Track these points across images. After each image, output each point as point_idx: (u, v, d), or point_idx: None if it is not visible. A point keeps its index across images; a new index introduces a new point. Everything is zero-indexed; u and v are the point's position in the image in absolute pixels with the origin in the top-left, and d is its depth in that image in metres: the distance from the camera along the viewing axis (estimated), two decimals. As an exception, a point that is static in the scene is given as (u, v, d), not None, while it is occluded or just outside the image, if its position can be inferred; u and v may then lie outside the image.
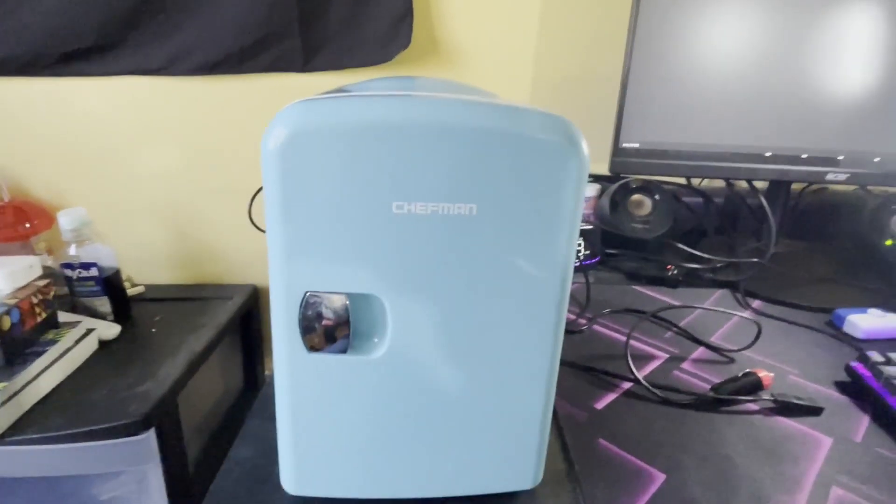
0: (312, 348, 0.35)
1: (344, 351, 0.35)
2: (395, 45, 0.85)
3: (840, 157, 0.73)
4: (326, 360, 0.35)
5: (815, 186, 0.94)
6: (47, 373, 0.72)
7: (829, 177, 0.74)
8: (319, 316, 0.34)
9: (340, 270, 0.33)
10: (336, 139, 0.31)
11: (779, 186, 0.84)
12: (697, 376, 0.59)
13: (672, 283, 0.80)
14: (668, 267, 0.81)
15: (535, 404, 0.38)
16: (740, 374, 0.56)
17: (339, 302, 0.34)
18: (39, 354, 0.73)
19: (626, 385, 0.57)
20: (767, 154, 0.74)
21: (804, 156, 0.74)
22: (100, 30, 0.84)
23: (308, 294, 0.34)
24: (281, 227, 0.32)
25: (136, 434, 0.67)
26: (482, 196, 0.32)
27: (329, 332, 0.35)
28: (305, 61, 0.87)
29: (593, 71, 0.91)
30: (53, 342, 0.76)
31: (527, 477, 0.41)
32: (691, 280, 0.82)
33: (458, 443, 0.38)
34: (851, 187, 0.97)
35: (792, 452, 0.48)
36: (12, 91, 0.91)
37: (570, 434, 0.49)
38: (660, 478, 0.45)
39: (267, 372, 1.14)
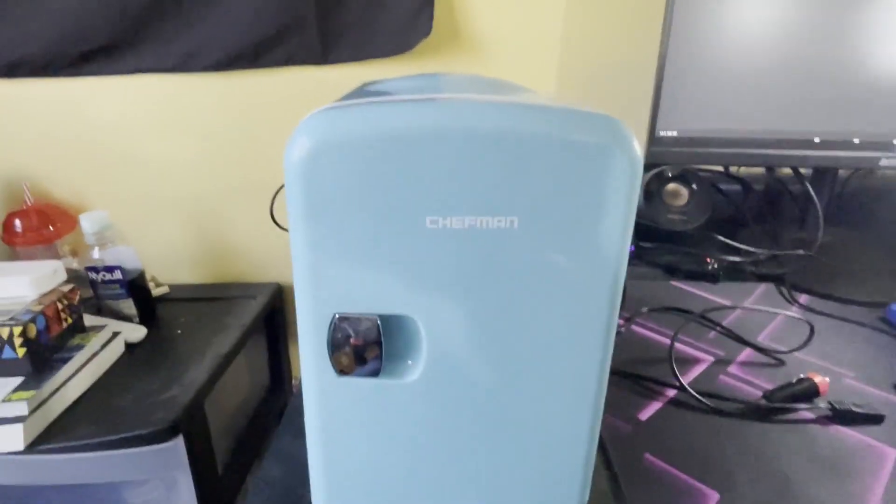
0: (342, 371, 0.33)
1: (376, 374, 0.33)
2: (416, 33, 0.82)
3: (895, 142, 0.68)
4: (357, 384, 0.33)
5: (860, 171, 0.89)
6: (75, 379, 0.71)
7: (883, 162, 0.69)
8: (349, 338, 0.32)
9: (371, 291, 0.31)
10: (364, 150, 0.28)
11: (824, 173, 0.79)
12: (746, 381, 0.56)
13: (712, 278, 0.76)
14: (707, 260, 0.77)
15: (582, 423, 0.36)
16: (794, 380, 0.52)
17: (369, 323, 0.32)
18: (66, 361, 0.72)
19: (671, 392, 0.54)
20: (816, 140, 0.69)
21: (856, 140, 0.69)
22: (113, 29, 0.82)
23: (337, 316, 0.31)
24: (306, 245, 0.30)
25: (164, 441, 0.67)
26: (524, 208, 0.29)
27: (359, 354, 0.33)
28: (324, 53, 0.84)
29: (624, 57, 0.86)
30: (80, 347, 0.75)
31: (573, 499, 0.38)
32: (732, 274, 0.78)
33: (498, 466, 0.36)
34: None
35: (853, 467, 0.45)
36: (30, 93, 0.90)
37: (613, 448, 0.47)
38: (712, 497, 0.42)
39: (294, 380, 1.13)
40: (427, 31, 0.82)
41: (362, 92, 0.38)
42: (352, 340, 0.32)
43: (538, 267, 0.31)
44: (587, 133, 0.29)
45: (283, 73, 0.87)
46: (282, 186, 0.90)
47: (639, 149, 0.29)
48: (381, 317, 0.32)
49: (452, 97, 0.30)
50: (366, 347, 0.32)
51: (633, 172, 0.29)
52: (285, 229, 0.91)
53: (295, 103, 0.89)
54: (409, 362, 0.34)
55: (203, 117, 0.92)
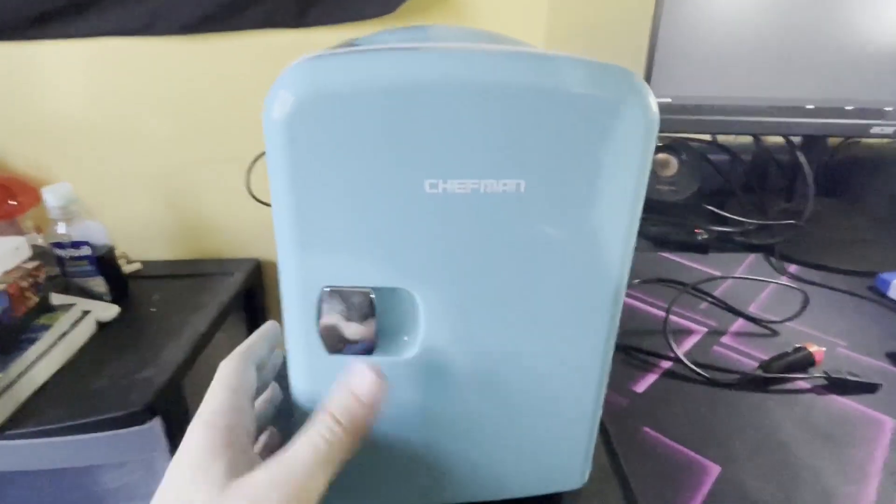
0: (333, 350, 0.30)
1: (370, 352, 0.31)
2: (399, -6, 0.78)
3: (888, 109, 0.67)
4: (350, 363, 0.31)
5: (849, 141, 0.88)
6: (43, 360, 0.68)
7: (875, 130, 0.68)
8: (340, 313, 0.30)
9: (363, 262, 0.28)
10: (355, 104, 0.25)
11: (814, 142, 0.78)
12: (740, 352, 0.55)
13: (702, 249, 0.75)
14: (697, 231, 0.76)
15: (586, 398, 0.34)
16: (790, 350, 0.52)
17: (362, 297, 0.29)
18: (33, 341, 0.68)
19: (666, 364, 0.53)
20: (809, 107, 0.68)
21: (848, 108, 0.68)
22: (73, -14, 0.77)
23: (326, 289, 0.29)
24: (291, 211, 0.27)
25: (141, 423, 0.64)
26: (531, 169, 0.27)
27: (351, 330, 0.30)
28: (300, 15, 0.80)
29: (614, 17, 0.83)
30: (47, 327, 0.72)
31: (574, 476, 0.37)
32: (721, 244, 0.77)
33: (499, 444, 0.34)
34: (885, 141, 0.92)
35: (852, 435, 0.45)
36: (-17, 57, 0.84)
37: (611, 423, 0.46)
38: (714, 470, 0.41)
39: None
40: (410, -9, 0.78)
41: (348, 44, 0.35)
42: (343, 315, 0.30)
43: (545, 234, 0.28)
44: (601, 86, 0.26)
45: (257, 36, 0.83)
46: (258, 157, 0.86)
47: (655, 104, 0.27)
48: (375, 290, 0.29)
49: (453, 46, 0.27)
50: (359, 323, 0.30)
51: (649, 129, 0.27)
52: (262, 202, 0.87)
53: (271, 68, 0.84)
54: (406, 338, 0.31)
55: (172, 83, 0.87)
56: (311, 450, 0.26)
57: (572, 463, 0.36)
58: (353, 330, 0.30)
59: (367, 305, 0.30)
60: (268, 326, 0.35)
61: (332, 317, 0.29)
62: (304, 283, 0.29)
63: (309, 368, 0.31)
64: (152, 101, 0.88)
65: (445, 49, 0.26)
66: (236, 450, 0.26)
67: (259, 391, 0.33)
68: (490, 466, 0.35)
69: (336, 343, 0.30)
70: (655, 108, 0.27)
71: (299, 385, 0.32)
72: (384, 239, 0.28)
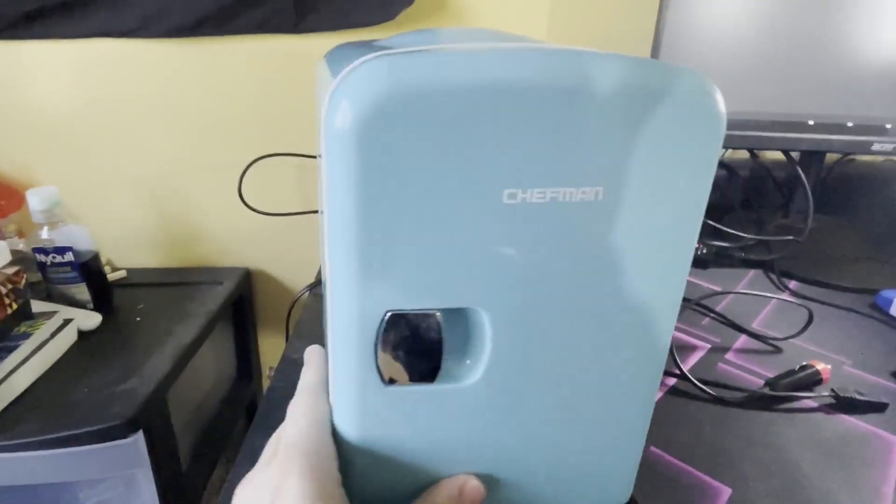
0: (392, 380, 0.27)
1: (431, 380, 0.28)
2: (399, 1, 0.77)
3: (888, 126, 0.67)
4: (406, 393, 0.28)
5: (846, 157, 0.88)
6: (21, 370, 0.65)
7: (875, 147, 0.68)
8: (403, 339, 0.27)
9: (435, 281, 0.26)
10: (434, 108, 0.22)
11: (812, 157, 0.78)
12: (746, 369, 0.54)
13: (702, 264, 0.75)
14: (697, 246, 0.75)
15: (642, 413, 0.32)
16: (797, 368, 0.51)
17: (429, 320, 0.27)
18: (12, 350, 0.66)
19: (671, 381, 0.51)
20: (810, 122, 0.68)
21: (849, 124, 0.68)
22: (64, -15, 0.75)
23: (389, 314, 0.26)
24: (356, 230, 0.24)
25: (122, 437, 0.61)
26: (611, 176, 0.25)
27: (415, 358, 0.27)
28: (297, 21, 0.79)
29: (614, 32, 0.83)
30: (27, 335, 0.69)
31: (623, 491, 0.35)
32: (720, 260, 0.76)
33: (554, 465, 0.32)
34: (881, 158, 0.92)
35: (863, 456, 0.43)
36: (-32, 56, 0.82)
37: (617, 441, 0.44)
38: (724, 492, 0.40)
39: (269, 370, 1.08)
40: (410, -1, 0.77)
41: (370, 45, 0.32)
42: (406, 343, 0.27)
43: (623, 244, 0.27)
44: (678, 88, 0.25)
45: (252, 41, 0.81)
46: (251, 164, 0.84)
47: (724, 108, 0.26)
48: (441, 312, 0.27)
49: (529, 45, 0.25)
50: (423, 349, 0.27)
51: (720, 133, 0.26)
52: (254, 210, 0.85)
53: (266, 74, 0.84)
54: (468, 361, 0.29)
55: (163, 87, 0.85)
56: None
57: (623, 479, 0.35)
58: (416, 358, 0.27)
59: (433, 330, 0.27)
60: (319, 352, 0.34)
61: (394, 344, 0.27)
62: (364, 308, 0.26)
63: (361, 402, 0.28)
64: (142, 105, 0.86)
65: (525, 48, 0.24)
66: None
67: None
68: (542, 487, 0.33)
69: (395, 373, 0.27)
70: (725, 112, 0.26)
71: (346, 418, 0.29)
72: (456, 255, 0.25)
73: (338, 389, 0.28)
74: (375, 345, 0.26)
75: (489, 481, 0.31)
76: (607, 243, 0.26)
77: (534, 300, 0.27)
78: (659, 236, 0.27)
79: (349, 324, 0.26)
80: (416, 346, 0.27)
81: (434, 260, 0.25)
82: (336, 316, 0.26)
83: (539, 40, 0.33)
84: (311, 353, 0.34)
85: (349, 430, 0.29)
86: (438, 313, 0.27)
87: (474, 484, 0.29)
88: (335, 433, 0.29)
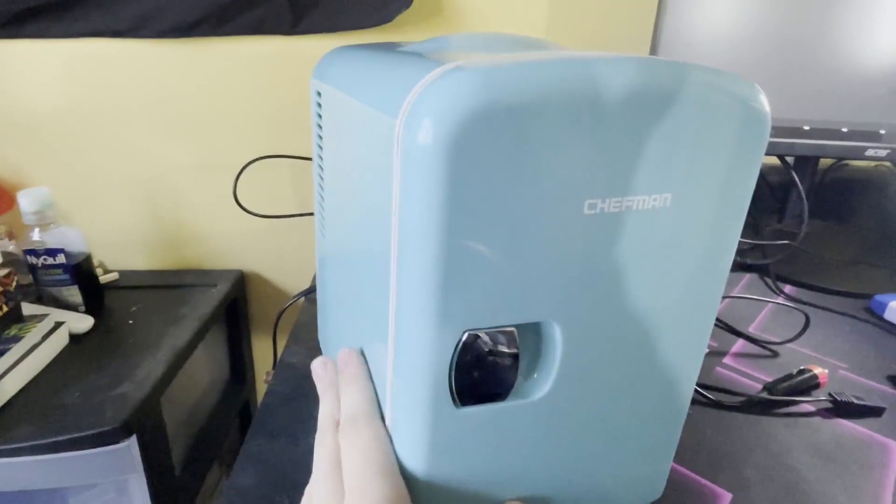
0: (466, 402, 0.27)
1: (503, 398, 0.27)
2: (396, 4, 0.77)
3: (882, 132, 0.68)
4: (477, 412, 0.27)
5: (840, 163, 0.89)
6: (12, 373, 0.64)
7: (870, 152, 0.68)
8: (480, 360, 0.26)
9: (513, 297, 0.25)
10: (519, 122, 0.22)
11: (806, 163, 0.79)
12: (743, 373, 0.54)
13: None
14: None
15: (680, 412, 0.33)
16: (795, 372, 0.51)
17: (506, 337, 0.26)
18: (2, 353, 0.65)
19: (670, 385, 0.51)
20: (805, 128, 0.68)
21: (844, 129, 0.68)
22: (58, -17, 0.74)
23: (467, 335, 0.25)
24: (438, 248, 0.23)
25: (115, 443, 0.60)
26: (677, 182, 0.25)
27: (489, 378, 0.27)
28: (294, 22, 0.78)
29: (612, 36, 0.83)
30: (17, 339, 0.68)
31: (657, 489, 0.36)
32: (716, 263, 0.76)
33: (598, 472, 0.33)
34: (873, 164, 0.93)
35: (861, 460, 0.44)
36: (-41, 55, 0.80)
37: (617, 446, 0.44)
38: (725, 497, 0.40)
39: (266, 375, 1.07)
40: (408, 1, 0.77)
41: (419, 50, 0.32)
42: (482, 362, 0.26)
43: (685, 249, 0.27)
44: (738, 94, 0.26)
45: (248, 42, 0.81)
46: (246, 165, 0.83)
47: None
48: (517, 327, 0.26)
49: (598, 54, 0.25)
50: (498, 368, 0.27)
51: (766, 137, 0.27)
52: (250, 212, 0.84)
53: (261, 76, 0.83)
54: (535, 376, 0.28)
55: (157, 88, 0.84)
56: None
57: (657, 478, 0.36)
58: (491, 376, 0.27)
59: (511, 346, 0.26)
60: (355, 359, 0.32)
61: (470, 365, 0.26)
62: (441, 329, 0.25)
63: (432, 430, 0.27)
64: (136, 105, 0.86)
65: (597, 57, 0.24)
66: None
67: None
68: (586, 490, 0.33)
69: (469, 394, 0.26)
70: (770, 115, 0.27)
71: (415, 451, 0.27)
72: (536, 269, 0.25)
73: (401, 418, 0.27)
74: (451, 366, 0.25)
75: (540, 494, 0.31)
76: (673, 250, 0.27)
77: (603, 311, 0.27)
78: (711, 242, 0.28)
79: (422, 346, 0.25)
80: (491, 366, 0.26)
81: (514, 275, 0.25)
82: (404, 339, 0.25)
83: (568, 48, 0.33)
84: (348, 363, 0.31)
85: (417, 462, 0.28)
86: (514, 329, 0.26)
87: None
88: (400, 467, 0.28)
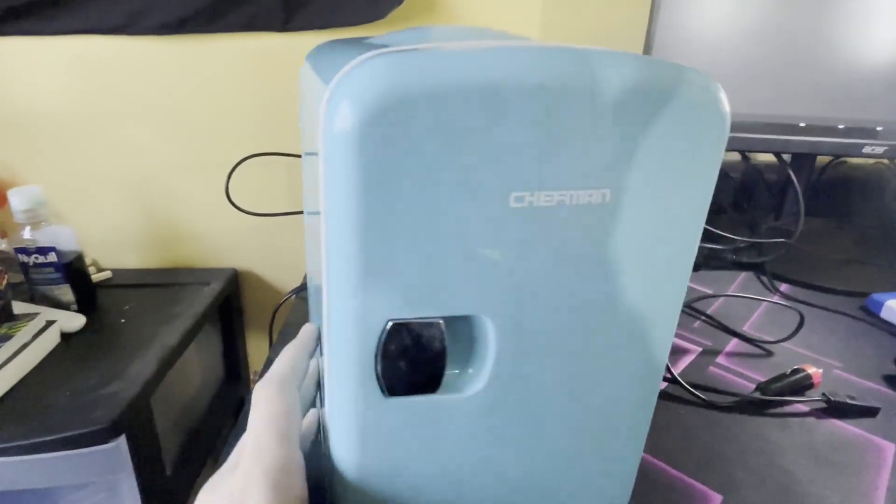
0: (394, 391, 0.26)
1: (434, 390, 0.27)
2: (389, 0, 0.76)
3: (879, 129, 0.67)
4: (408, 403, 0.27)
5: (837, 160, 0.88)
6: (1, 372, 0.63)
7: (866, 150, 0.68)
8: (405, 350, 0.26)
9: (439, 288, 0.25)
10: (439, 109, 0.21)
11: (803, 160, 0.78)
12: (736, 373, 0.53)
13: (693, 266, 0.74)
14: (688, 248, 0.75)
15: (643, 418, 0.32)
16: (788, 372, 0.50)
17: (433, 329, 0.26)
18: (-9, 352, 0.64)
19: (661, 385, 0.51)
20: (802, 125, 0.68)
21: (840, 126, 0.68)
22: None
23: (391, 324, 0.25)
24: (357, 235, 0.23)
25: (104, 442, 0.60)
26: (617, 177, 0.24)
27: (416, 368, 0.26)
28: (286, 19, 0.78)
29: (606, 34, 0.83)
30: (7, 337, 0.67)
31: (621, 497, 0.35)
32: (712, 262, 0.76)
33: (552, 474, 0.32)
34: (872, 161, 0.92)
35: (854, 462, 0.43)
36: (-51, 52, 0.80)
37: (607, 447, 0.43)
38: (715, 499, 0.39)
39: (254, 375, 1.07)
40: (400, -2, 0.76)
41: (368, 45, 0.31)
42: (408, 352, 0.26)
43: (625, 246, 0.26)
44: (688, 87, 0.24)
45: (240, 39, 0.80)
46: (238, 163, 0.83)
47: (729, 110, 0.26)
48: (445, 320, 0.26)
49: (534, 43, 0.24)
50: (425, 359, 0.26)
51: (724, 135, 0.25)
52: (242, 210, 0.84)
53: (253, 73, 0.82)
54: (471, 371, 0.28)
55: (150, 85, 0.84)
56: None
57: (621, 485, 0.34)
58: (417, 368, 0.26)
59: (437, 339, 0.26)
60: (307, 333, 0.32)
61: (396, 354, 0.26)
62: (365, 317, 0.25)
63: (361, 413, 0.27)
64: (128, 103, 0.85)
65: (530, 46, 0.23)
66: None
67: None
68: (543, 495, 0.32)
69: (396, 384, 0.26)
70: (729, 113, 0.25)
71: (345, 431, 0.27)
72: (461, 261, 0.24)
73: (335, 405, 0.27)
74: (376, 355, 0.25)
75: (486, 492, 0.31)
76: (613, 246, 0.26)
77: (538, 306, 0.26)
78: (663, 239, 0.27)
79: (348, 333, 0.25)
80: (417, 357, 0.26)
81: (438, 266, 0.24)
82: (333, 326, 0.25)
83: (539, 41, 0.33)
84: (300, 334, 0.32)
85: (348, 451, 0.28)
86: (442, 321, 0.26)
87: None
88: (334, 454, 0.28)
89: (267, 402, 0.27)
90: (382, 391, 0.26)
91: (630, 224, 0.25)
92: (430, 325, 0.25)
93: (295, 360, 0.30)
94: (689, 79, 0.24)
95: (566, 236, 0.25)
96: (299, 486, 0.25)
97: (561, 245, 0.25)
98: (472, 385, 0.27)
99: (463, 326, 0.26)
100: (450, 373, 0.27)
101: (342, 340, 0.25)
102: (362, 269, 0.23)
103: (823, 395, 0.49)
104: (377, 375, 0.26)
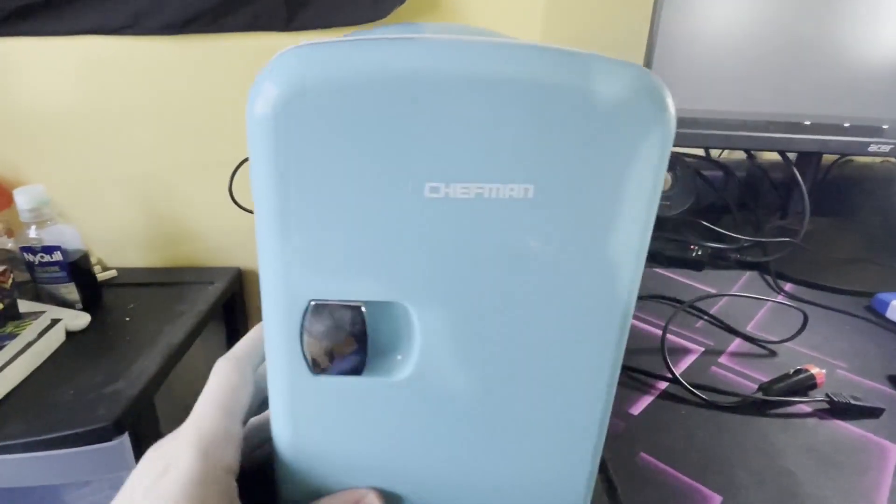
0: (318, 370, 0.27)
1: (358, 372, 0.28)
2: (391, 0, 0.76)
3: (885, 127, 0.67)
4: (335, 383, 0.28)
5: (843, 159, 0.88)
6: (7, 370, 0.64)
7: (872, 148, 0.67)
8: (327, 330, 0.27)
9: (355, 273, 0.26)
10: (351, 97, 0.22)
11: (808, 159, 0.77)
12: (739, 373, 0.53)
13: (696, 265, 0.74)
14: (692, 247, 0.75)
15: (591, 422, 0.30)
16: (791, 372, 0.50)
17: (352, 312, 0.27)
18: (-4, 351, 0.65)
19: (663, 385, 0.51)
20: (807, 123, 0.67)
21: (846, 125, 0.67)
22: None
23: (312, 303, 0.26)
24: (275, 217, 0.24)
25: (108, 440, 0.60)
26: (542, 174, 0.24)
27: (339, 349, 0.27)
28: (289, 19, 0.78)
29: (609, 29, 0.82)
30: (13, 336, 0.68)
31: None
32: (716, 261, 0.75)
33: (492, 472, 0.31)
34: (878, 160, 0.91)
35: (857, 463, 0.43)
36: (-44, 53, 0.81)
37: (606, 447, 0.43)
38: (715, 500, 0.39)
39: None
40: (402, -3, 0.76)
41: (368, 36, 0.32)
42: (331, 332, 0.27)
43: (555, 245, 0.26)
44: (620, 84, 0.23)
45: (243, 39, 0.80)
46: (242, 162, 0.83)
47: (673, 107, 0.25)
48: (367, 304, 0.27)
49: (459, 36, 0.24)
50: (347, 341, 0.27)
51: (667, 135, 0.24)
52: (245, 209, 0.84)
53: (256, 72, 0.82)
54: (399, 357, 0.29)
55: (154, 85, 0.84)
56: None
57: (574, 495, 0.33)
58: (341, 348, 0.27)
59: (357, 322, 0.27)
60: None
61: (319, 333, 0.27)
62: (287, 296, 0.26)
63: (290, 389, 0.28)
64: (133, 102, 0.85)
65: (451, 39, 0.24)
66: (232, 499, 0.24)
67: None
68: (480, 495, 0.32)
69: (321, 362, 0.27)
70: (674, 112, 0.25)
71: (278, 407, 0.29)
72: (378, 248, 0.25)
73: (271, 378, 0.28)
74: (301, 333, 0.26)
75: (426, 491, 0.31)
76: (539, 243, 0.25)
77: (463, 298, 0.26)
78: (600, 240, 0.26)
79: (276, 310, 0.26)
80: (339, 338, 0.27)
81: (356, 251, 0.25)
82: (265, 303, 0.26)
83: (513, 38, 0.32)
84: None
85: (283, 429, 0.28)
86: (362, 305, 0.26)
87: (372, 500, 0.27)
88: (273, 432, 0.29)
89: (217, 376, 0.28)
90: (309, 369, 0.27)
91: (558, 222, 0.25)
92: (351, 307, 0.26)
93: (255, 339, 0.31)
94: (625, 76, 0.24)
95: (487, 229, 0.25)
96: (231, 458, 0.26)
97: (482, 238, 0.25)
98: (399, 371, 0.28)
99: (392, 312, 0.27)
100: (380, 358, 0.28)
101: (273, 318, 0.26)
102: (282, 250, 0.25)
103: (827, 395, 0.48)
104: (303, 353, 0.26)
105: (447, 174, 0.24)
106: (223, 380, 0.28)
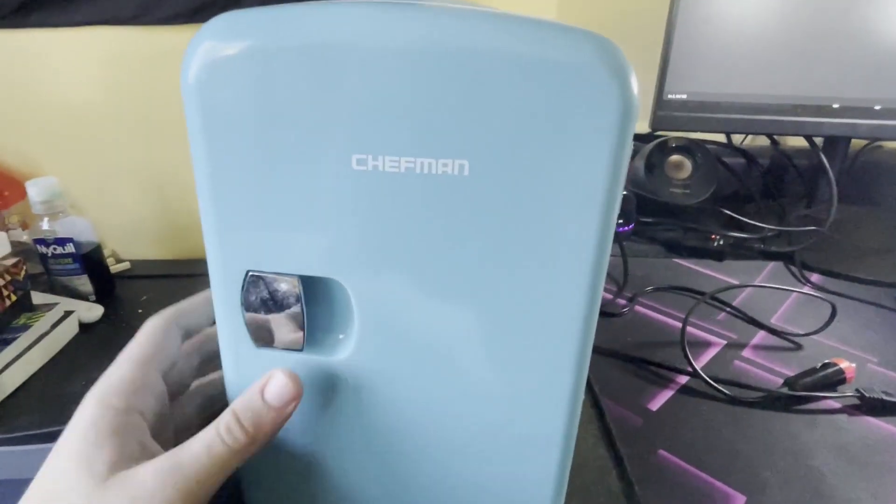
0: (260, 342, 0.27)
1: (299, 348, 0.27)
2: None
3: (918, 109, 0.63)
4: (281, 359, 0.28)
5: (873, 144, 0.84)
6: (19, 362, 0.64)
7: (905, 132, 0.64)
8: (268, 302, 0.26)
9: (285, 245, 0.25)
10: (275, 64, 0.22)
11: (836, 144, 0.74)
12: (763, 367, 0.51)
13: (717, 255, 0.71)
14: (713, 237, 0.72)
15: (553, 422, 0.28)
16: (819, 366, 0.48)
17: (288, 285, 0.26)
18: (10, 342, 0.65)
19: (682, 379, 0.49)
20: (835, 106, 0.64)
21: (877, 107, 0.64)
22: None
23: (250, 274, 0.26)
24: (208, 185, 0.24)
25: (118, 432, 0.60)
26: (477, 149, 0.22)
27: (279, 321, 0.27)
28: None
29: (628, 9, 0.80)
30: (26, 327, 0.68)
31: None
32: (738, 251, 0.73)
33: (448, 476, 0.30)
34: (910, 145, 0.88)
35: (889, 462, 0.41)
36: (-32, 45, 0.81)
37: (624, 444, 0.41)
38: (738, 500, 0.37)
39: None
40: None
41: None
42: (268, 304, 0.26)
43: (493, 226, 0.24)
44: (574, 54, 0.21)
45: (253, 28, 0.79)
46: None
47: (635, 83, 0.22)
48: (304, 279, 0.26)
49: (396, 2, 0.22)
50: (287, 315, 0.27)
51: (626, 108, 0.21)
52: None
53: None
54: (341, 336, 0.28)
55: (166, 76, 0.83)
56: (206, 450, 0.24)
57: (538, 500, 0.30)
58: (279, 322, 0.27)
59: (294, 295, 0.26)
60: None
61: (257, 305, 0.27)
62: (227, 266, 0.26)
63: (236, 359, 0.28)
64: (146, 94, 0.85)
65: (379, 4, 0.22)
66: (128, 437, 0.24)
67: (194, 361, 0.32)
68: (433, 496, 0.30)
69: (263, 336, 0.27)
70: (636, 88, 0.22)
71: (228, 375, 0.29)
72: (308, 219, 0.25)
73: (221, 347, 0.28)
74: (242, 304, 0.26)
75: (372, 486, 0.30)
76: (476, 221, 0.24)
77: (398, 276, 0.25)
78: (547, 221, 0.24)
79: (217, 280, 0.27)
80: (277, 311, 0.27)
81: (287, 221, 0.25)
82: (210, 272, 0.27)
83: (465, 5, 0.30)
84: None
85: (233, 392, 0.29)
86: (297, 279, 0.26)
87: (281, 381, 0.26)
88: (226, 388, 0.29)
89: (142, 331, 0.30)
90: (252, 341, 0.27)
91: (500, 201, 0.23)
92: (286, 280, 0.26)
93: (196, 300, 0.32)
94: (571, 43, 0.21)
95: (420, 206, 0.24)
96: (139, 402, 0.26)
97: (415, 214, 0.24)
98: (341, 350, 0.27)
99: (331, 289, 0.27)
100: (322, 336, 0.28)
101: (217, 288, 0.27)
102: (217, 219, 0.25)
103: (857, 390, 0.46)
104: (244, 324, 0.27)
105: (375, 146, 0.23)
106: (142, 336, 0.30)
